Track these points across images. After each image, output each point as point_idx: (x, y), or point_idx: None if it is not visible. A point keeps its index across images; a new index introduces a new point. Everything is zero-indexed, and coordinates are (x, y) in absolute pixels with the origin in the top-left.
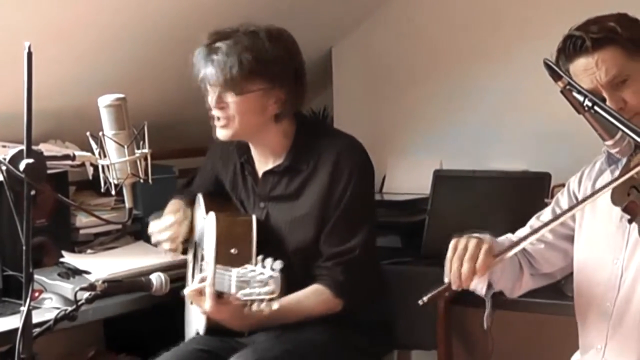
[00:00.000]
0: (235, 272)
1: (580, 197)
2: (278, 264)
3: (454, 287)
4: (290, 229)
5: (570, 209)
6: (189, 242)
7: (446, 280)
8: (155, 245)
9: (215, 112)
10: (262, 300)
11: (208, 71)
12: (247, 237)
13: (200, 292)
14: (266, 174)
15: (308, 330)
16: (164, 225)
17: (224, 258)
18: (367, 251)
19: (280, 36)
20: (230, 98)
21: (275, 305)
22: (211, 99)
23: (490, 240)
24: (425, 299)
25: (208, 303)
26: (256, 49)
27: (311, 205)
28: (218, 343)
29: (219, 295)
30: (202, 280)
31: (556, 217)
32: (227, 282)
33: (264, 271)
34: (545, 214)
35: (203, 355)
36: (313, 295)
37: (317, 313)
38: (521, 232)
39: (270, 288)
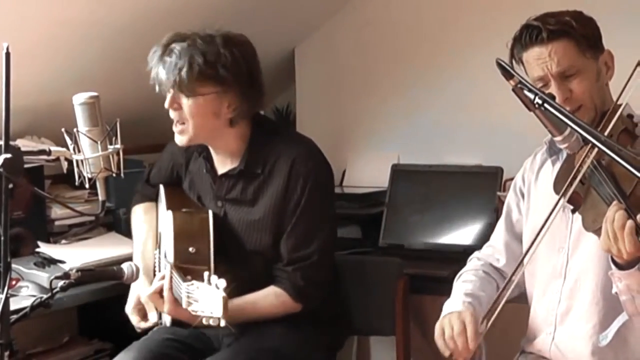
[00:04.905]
0: (184, 287)
1: (525, 191)
2: (222, 283)
3: None
4: (247, 231)
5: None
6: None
7: (446, 354)
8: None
9: (171, 114)
10: (209, 317)
11: (159, 72)
12: (204, 235)
13: (160, 294)
14: (222, 176)
15: (270, 336)
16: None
17: (182, 257)
18: (325, 255)
19: (237, 42)
20: (183, 100)
21: (222, 323)
22: (166, 99)
23: (469, 307)
24: None
25: (166, 306)
26: (208, 53)
27: (266, 211)
28: (185, 332)
29: (176, 299)
30: (162, 278)
31: (521, 259)
32: (179, 295)
33: (210, 289)
34: (499, 225)
35: (173, 344)
36: (272, 297)
37: (275, 314)
38: (486, 250)
39: (214, 308)
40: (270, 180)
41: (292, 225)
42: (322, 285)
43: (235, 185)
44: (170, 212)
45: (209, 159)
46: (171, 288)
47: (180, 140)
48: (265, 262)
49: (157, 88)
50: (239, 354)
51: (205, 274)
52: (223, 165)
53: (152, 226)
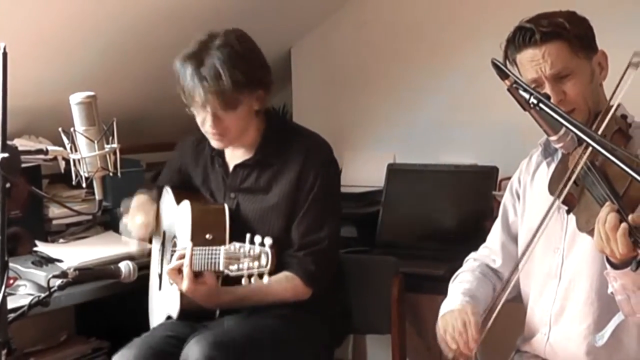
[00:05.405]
0: (223, 250)
1: (520, 193)
2: (268, 240)
3: None
4: (260, 219)
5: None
6: (156, 233)
7: (450, 356)
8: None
9: (211, 130)
10: (251, 275)
11: (204, 97)
12: (220, 223)
13: (179, 271)
14: (237, 167)
15: (271, 317)
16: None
17: (199, 243)
18: (334, 242)
19: (246, 36)
20: (227, 115)
21: (265, 279)
22: (204, 119)
23: (467, 305)
24: None
25: (185, 283)
26: (238, 62)
27: (280, 198)
28: (187, 329)
29: (196, 275)
30: (181, 257)
31: (521, 257)
32: (213, 260)
33: (254, 247)
34: (495, 226)
35: (172, 341)
36: (283, 281)
37: (286, 298)
38: (482, 251)
39: (262, 262)
40: (284, 169)
41: (303, 211)
42: (330, 273)
43: (250, 174)
44: (187, 202)
45: (220, 154)
46: (191, 265)
47: (219, 145)
48: (278, 248)
49: (202, 106)
50: (233, 329)
51: (248, 235)
52: (236, 157)
53: (154, 210)
